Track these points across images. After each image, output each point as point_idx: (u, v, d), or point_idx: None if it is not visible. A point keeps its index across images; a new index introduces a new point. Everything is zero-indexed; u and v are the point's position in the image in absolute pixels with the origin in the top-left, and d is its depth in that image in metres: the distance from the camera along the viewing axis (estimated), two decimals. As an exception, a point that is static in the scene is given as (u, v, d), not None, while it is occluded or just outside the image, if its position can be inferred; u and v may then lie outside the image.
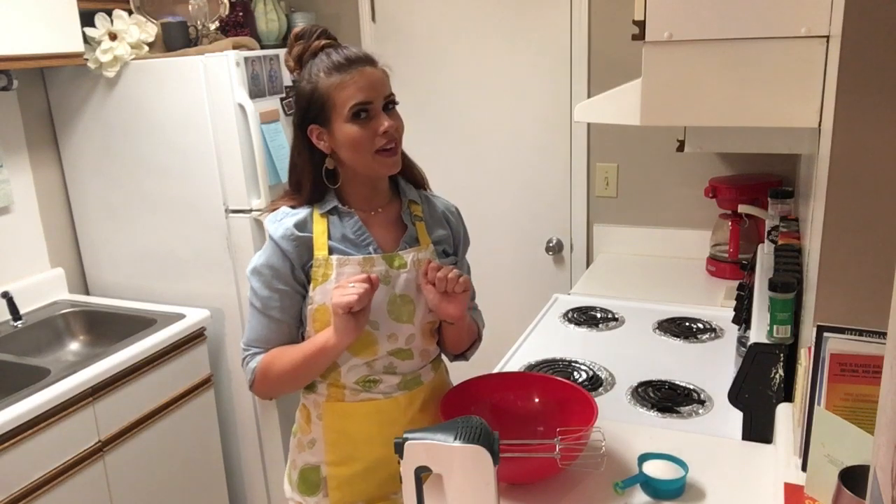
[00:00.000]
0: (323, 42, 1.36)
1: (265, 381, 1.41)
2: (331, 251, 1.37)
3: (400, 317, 1.39)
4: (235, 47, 2.40)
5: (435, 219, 1.48)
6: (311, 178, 1.39)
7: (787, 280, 1.37)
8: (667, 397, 1.66)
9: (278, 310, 1.39)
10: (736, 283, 2.02)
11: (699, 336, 1.99)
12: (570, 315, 2.18)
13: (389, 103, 1.35)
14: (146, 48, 2.44)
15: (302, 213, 1.40)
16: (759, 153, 2.27)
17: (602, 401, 1.64)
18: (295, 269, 1.38)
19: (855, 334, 1.06)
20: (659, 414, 1.60)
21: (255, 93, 2.38)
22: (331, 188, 1.40)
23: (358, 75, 1.32)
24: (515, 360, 1.90)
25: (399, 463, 1.10)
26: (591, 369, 1.82)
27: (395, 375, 1.42)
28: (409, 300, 1.39)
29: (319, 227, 1.39)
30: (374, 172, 1.37)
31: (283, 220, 1.39)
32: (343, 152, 1.35)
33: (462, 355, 1.54)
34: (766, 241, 1.95)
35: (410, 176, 1.49)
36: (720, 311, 2.13)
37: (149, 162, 2.47)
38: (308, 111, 1.35)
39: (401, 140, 1.38)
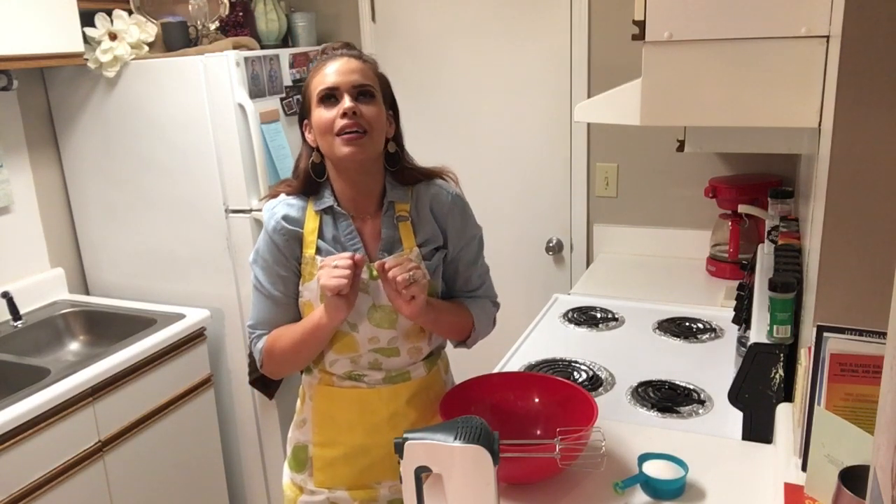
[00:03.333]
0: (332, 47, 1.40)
1: (271, 361, 1.45)
2: (318, 250, 1.38)
3: (381, 324, 1.40)
4: (235, 47, 2.40)
5: (422, 215, 1.44)
6: (303, 171, 1.42)
7: (787, 280, 1.36)
8: (667, 397, 1.66)
9: (279, 291, 1.42)
10: (736, 283, 2.02)
11: (699, 336, 1.99)
12: (570, 315, 2.18)
13: (362, 94, 1.33)
14: (146, 48, 2.44)
15: (296, 205, 1.42)
16: (759, 153, 2.27)
17: (602, 401, 1.64)
18: (288, 259, 1.41)
19: (855, 334, 1.06)
20: (659, 414, 1.60)
21: (255, 93, 2.38)
22: (328, 187, 1.41)
23: (329, 61, 1.35)
24: (515, 360, 1.89)
25: (399, 462, 1.10)
26: (591, 369, 1.82)
27: (379, 371, 1.43)
28: (390, 309, 1.38)
29: (311, 225, 1.40)
30: (335, 157, 1.34)
31: (276, 211, 1.41)
32: (318, 140, 1.36)
33: (462, 343, 1.53)
34: (766, 241, 1.95)
35: (400, 177, 1.44)
36: (720, 311, 2.12)
37: (149, 162, 2.48)
38: (301, 107, 1.40)
39: (373, 131, 1.34)
